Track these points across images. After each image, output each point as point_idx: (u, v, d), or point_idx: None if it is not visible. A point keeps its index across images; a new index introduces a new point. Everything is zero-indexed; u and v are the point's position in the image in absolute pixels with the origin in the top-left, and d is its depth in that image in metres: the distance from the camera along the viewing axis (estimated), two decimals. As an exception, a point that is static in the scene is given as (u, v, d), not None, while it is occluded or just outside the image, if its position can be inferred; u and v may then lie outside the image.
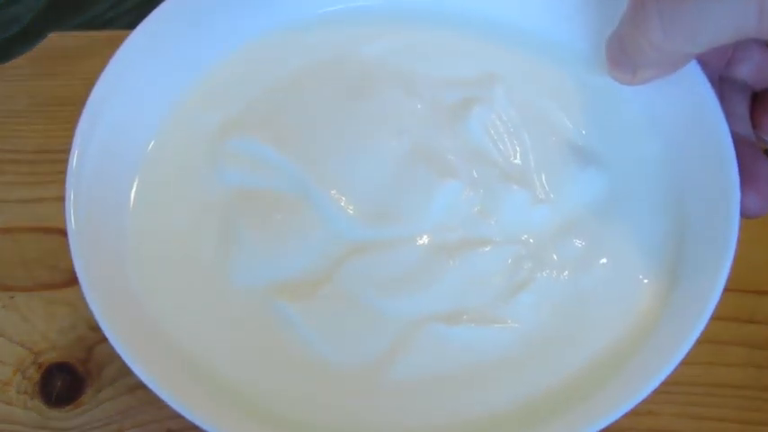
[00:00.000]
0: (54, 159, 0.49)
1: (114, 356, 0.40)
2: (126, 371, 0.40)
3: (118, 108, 0.25)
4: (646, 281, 0.24)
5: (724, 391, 0.37)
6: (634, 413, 0.38)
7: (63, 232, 0.47)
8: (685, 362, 0.40)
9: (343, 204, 0.23)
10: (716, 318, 0.43)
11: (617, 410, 0.20)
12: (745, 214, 0.26)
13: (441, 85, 0.27)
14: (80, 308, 0.41)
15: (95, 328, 0.41)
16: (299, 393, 0.21)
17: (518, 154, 0.25)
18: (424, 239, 0.23)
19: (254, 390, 0.21)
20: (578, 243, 0.24)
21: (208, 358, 0.22)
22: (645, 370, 0.21)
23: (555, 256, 0.23)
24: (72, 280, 0.44)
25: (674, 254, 0.24)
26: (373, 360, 0.22)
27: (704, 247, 0.24)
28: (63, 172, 0.50)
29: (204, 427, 0.20)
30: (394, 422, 0.21)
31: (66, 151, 0.49)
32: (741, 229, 0.45)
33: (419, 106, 0.26)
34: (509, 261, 0.23)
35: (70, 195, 0.23)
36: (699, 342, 0.41)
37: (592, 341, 0.23)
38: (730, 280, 0.42)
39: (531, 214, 0.24)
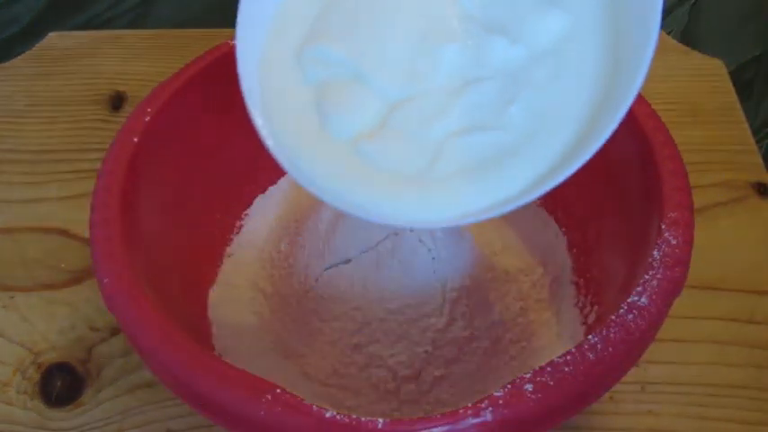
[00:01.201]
0: (54, 159, 0.49)
1: (114, 356, 0.40)
2: (126, 371, 0.40)
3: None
4: (603, 81, 0.31)
5: (724, 391, 0.37)
6: (634, 413, 0.38)
7: (63, 232, 0.47)
8: (685, 362, 0.40)
9: (383, 76, 0.33)
10: (716, 318, 0.43)
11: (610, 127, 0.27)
12: None
13: None
14: (80, 308, 0.41)
15: (95, 328, 0.41)
16: (360, 190, 0.30)
17: (497, 9, 0.34)
18: (442, 88, 0.33)
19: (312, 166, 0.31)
20: (550, 64, 0.32)
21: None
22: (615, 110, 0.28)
23: (532, 78, 0.32)
24: (72, 280, 0.44)
25: (624, 52, 0.31)
26: (418, 166, 0.31)
27: (637, 26, 0.30)
28: (63, 172, 0.50)
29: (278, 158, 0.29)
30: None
31: (67, 151, 0.49)
32: (740, 230, 0.45)
33: None
34: (499, 88, 0.32)
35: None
36: (699, 342, 0.41)
37: (577, 121, 0.31)
38: (730, 280, 0.42)
39: (510, 53, 0.33)
